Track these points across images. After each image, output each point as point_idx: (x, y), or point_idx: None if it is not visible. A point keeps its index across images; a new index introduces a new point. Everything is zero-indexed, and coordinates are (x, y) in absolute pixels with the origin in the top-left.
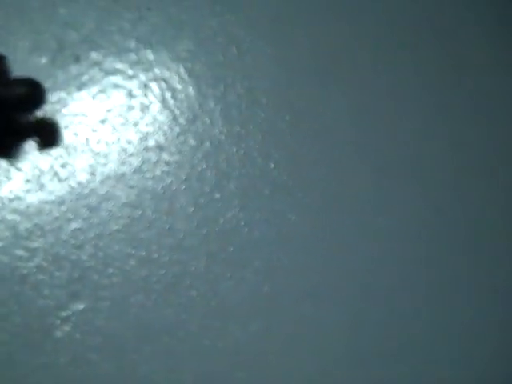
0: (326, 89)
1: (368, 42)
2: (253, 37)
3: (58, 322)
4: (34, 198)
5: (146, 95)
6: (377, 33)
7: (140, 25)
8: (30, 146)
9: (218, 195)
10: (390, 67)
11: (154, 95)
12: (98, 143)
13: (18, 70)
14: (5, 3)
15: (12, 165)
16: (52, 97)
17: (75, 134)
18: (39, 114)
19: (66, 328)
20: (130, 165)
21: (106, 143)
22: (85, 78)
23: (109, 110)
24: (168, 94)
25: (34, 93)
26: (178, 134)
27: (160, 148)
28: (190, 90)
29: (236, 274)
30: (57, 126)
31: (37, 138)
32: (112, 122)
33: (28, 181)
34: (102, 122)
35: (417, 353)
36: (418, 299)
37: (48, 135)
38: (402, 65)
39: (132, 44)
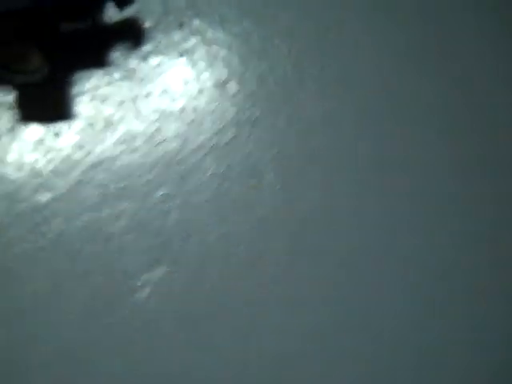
0: (421, 74)
1: None
2: (353, 22)
3: (139, 284)
4: (125, 160)
5: (244, 68)
6: None
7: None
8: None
9: (304, 176)
10: None
11: (251, 68)
12: (193, 112)
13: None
14: None
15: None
16: (153, 60)
17: (172, 100)
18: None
19: (145, 292)
20: (223, 137)
21: (202, 112)
22: (187, 44)
23: (206, 80)
24: (266, 69)
25: None
26: (273, 111)
27: (253, 122)
28: (288, 66)
29: (316, 257)
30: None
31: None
32: (209, 91)
33: (121, 142)
34: (200, 91)
35: None
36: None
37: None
38: None
39: (234, 15)
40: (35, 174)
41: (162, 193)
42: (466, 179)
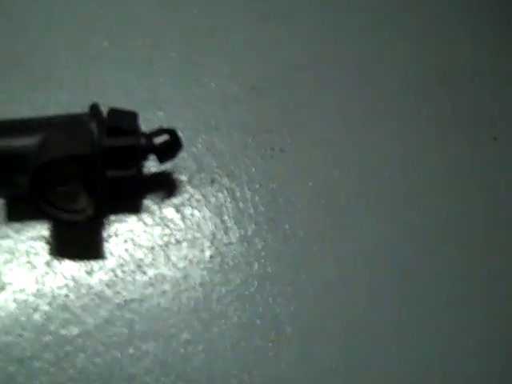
0: None
1: None
2: None
3: None
4: (152, 303)
5: (268, 226)
6: None
7: (272, 162)
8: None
9: (323, 330)
10: None
11: (275, 227)
12: (220, 262)
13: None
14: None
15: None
16: (185, 211)
17: (201, 250)
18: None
19: None
20: (246, 288)
21: (228, 264)
22: (216, 200)
23: (233, 234)
24: (289, 229)
25: (176, 139)
26: (294, 267)
27: (276, 277)
28: (308, 227)
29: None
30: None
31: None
32: (236, 245)
33: (150, 285)
34: (227, 244)
35: None
36: None
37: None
38: None
39: (261, 177)
40: (65, 308)
41: (186, 337)
42: None
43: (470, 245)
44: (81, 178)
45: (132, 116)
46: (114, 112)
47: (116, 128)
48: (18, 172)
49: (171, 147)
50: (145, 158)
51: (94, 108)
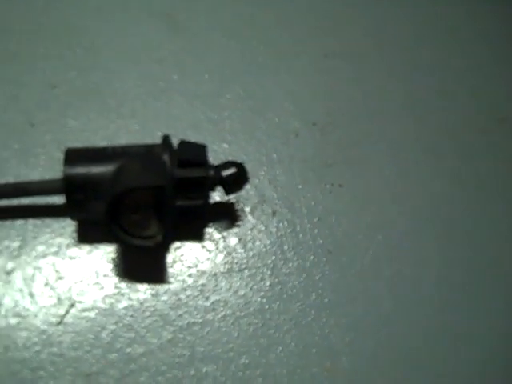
0: None
1: None
2: None
3: None
4: (214, 326)
5: (325, 258)
6: None
7: (331, 197)
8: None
9: (376, 361)
10: None
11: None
12: (279, 291)
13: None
14: None
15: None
16: (247, 241)
17: (261, 279)
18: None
19: None
20: (304, 317)
21: (287, 292)
22: (278, 231)
23: (291, 263)
24: (346, 262)
25: (243, 172)
26: (351, 299)
27: (332, 308)
28: (366, 260)
29: None
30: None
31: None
32: (294, 275)
33: (212, 310)
34: (286, 274)
35: None
36: None
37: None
38: None
39: (320, 211)
40: (130, 328)
41: (244, 361)
42: None
43: None
44: (153, 207)
45: (201, 148)
46: (184, 144)
47: (186, 160)
48: (93, 198)
49: (238, 180)
50: (213, 189)
51: (166, 139)
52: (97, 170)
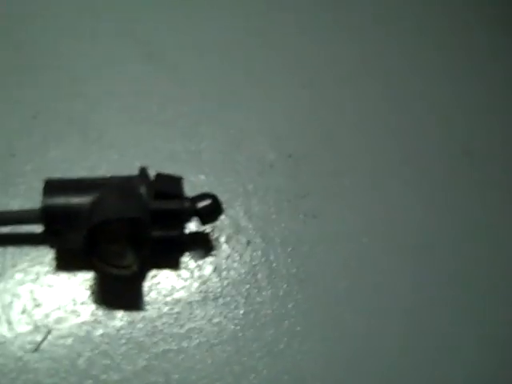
0: None
1: None
2: None
3: None
4: (188, 354)
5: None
6: None
7: (304, 227)
8: None
9: None
10: None
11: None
12: (252, 321)
13: None
14: None
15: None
16: (222, 270)
17: (235, 308)
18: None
19: None
20: (276, 345)
21: (260, 322)
22: (253, 261)
23: (268, 301)
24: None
25: (216, 204)
26: (322, 324)
27: (304, 336)
28: None
29: None
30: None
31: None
32: (267, 310)
33: (187, 338)
34: (260, 303)
35: None
36: None
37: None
38: None
39: (293, 241)
40: (106, 355)
41: None
42: None
43: None
44: (129, 237)
45: (177, 181)
46: (161, 176)
47: (163, 192)
48: (71, 227)
49: (213, 211)
50: (188, 220)
51: (143, 172)
52: (75, 200)
